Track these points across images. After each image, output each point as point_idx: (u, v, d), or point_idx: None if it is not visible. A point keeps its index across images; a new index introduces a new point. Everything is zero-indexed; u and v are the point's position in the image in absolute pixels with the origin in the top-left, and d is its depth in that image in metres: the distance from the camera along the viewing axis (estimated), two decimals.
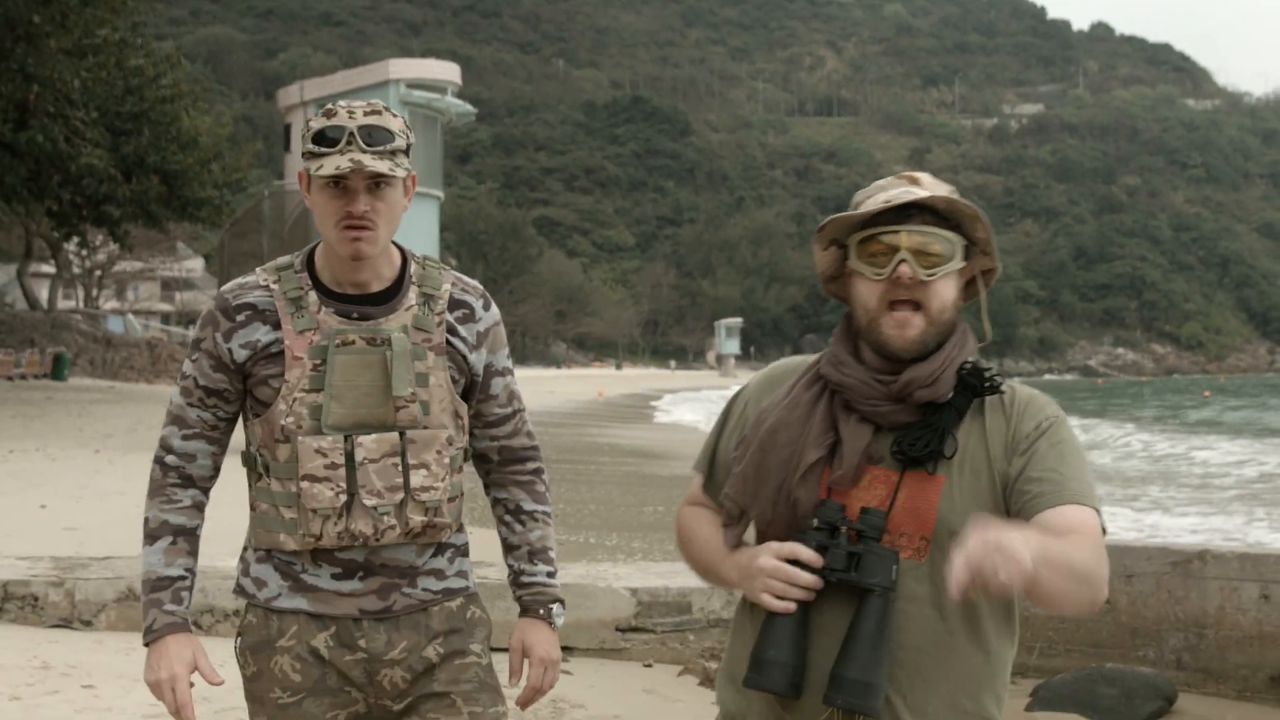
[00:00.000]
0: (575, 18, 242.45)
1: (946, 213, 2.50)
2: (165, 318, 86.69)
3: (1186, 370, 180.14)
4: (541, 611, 3.13)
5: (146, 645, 2.93)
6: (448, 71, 23.71)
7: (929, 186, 2.51)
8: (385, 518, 2.87)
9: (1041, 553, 2.21)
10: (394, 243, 2.97)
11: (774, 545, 2.47)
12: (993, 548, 2.14)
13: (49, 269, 64.66)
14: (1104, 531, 2.45)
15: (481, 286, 3.09)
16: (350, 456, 2.85)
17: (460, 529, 3.05)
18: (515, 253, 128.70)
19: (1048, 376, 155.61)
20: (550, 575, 3.16)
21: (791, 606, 2.42)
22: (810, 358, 2.66)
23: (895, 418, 2.48)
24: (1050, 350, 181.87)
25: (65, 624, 7.62)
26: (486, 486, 3.19)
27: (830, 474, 2.49)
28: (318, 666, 2.90)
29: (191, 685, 2.90)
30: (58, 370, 43.42)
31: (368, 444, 2.86)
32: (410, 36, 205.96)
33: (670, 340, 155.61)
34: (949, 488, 2.46)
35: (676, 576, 7.98)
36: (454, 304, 2.98)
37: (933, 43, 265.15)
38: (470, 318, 3.00)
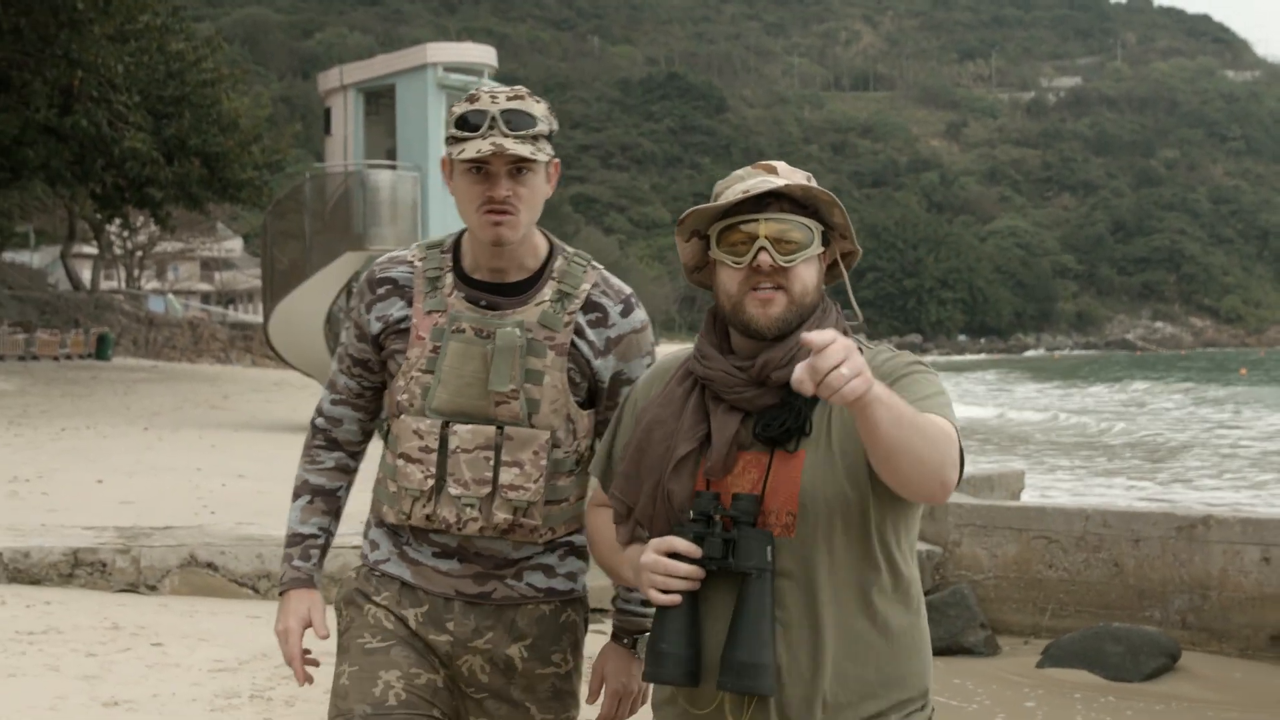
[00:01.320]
0: None
1: (803, 200, 2.56)
2: (205, 297, 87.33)
3: (1225, 344, 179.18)
4: (626, 641, 3.07)
5: (280, 596, 3.05)
6: (484, 55, 24.05)
7: (785, 175, 2.57)
8: (469, 509, 2.87)
9: (887, 394, 2.28)
10: (544, 234, 3.00)
11: (654, 541, 2.51)
12: (846, 347, 2.20)
13: (90, 250, 65.43)
14: (961, 451, 2.46)
15: (630, 291, 3.05)
16: (444, 442, 2.87)
17: (577, 530, 3.01)
18: (552, 230, 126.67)
19: (1076, 351, 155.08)
20: (645, 603, 3.02)
21: (676, 599, 2.46)
22: (689, 350, 2.71)
23: (759, 402, 2.53)
24: (1088, 325, 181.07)
25: (132, 588, 8.12)
26: None
27: (704, 465, 2.54)
28: (407, 628, 2.93)
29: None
30: (102, 350, 44.02)
31: (462, 433, 2.87)
32: (446, 15, 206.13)
33: None
34: (810, 462, 2.50)
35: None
36: (589, 305, 2.94)
37: (969, 16, 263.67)
38: (603, 322, 2.96)
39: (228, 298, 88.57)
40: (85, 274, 61.65)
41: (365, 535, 3.05)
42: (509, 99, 2.85)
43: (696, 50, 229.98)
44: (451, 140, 2.85)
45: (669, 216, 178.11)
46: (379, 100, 23.91)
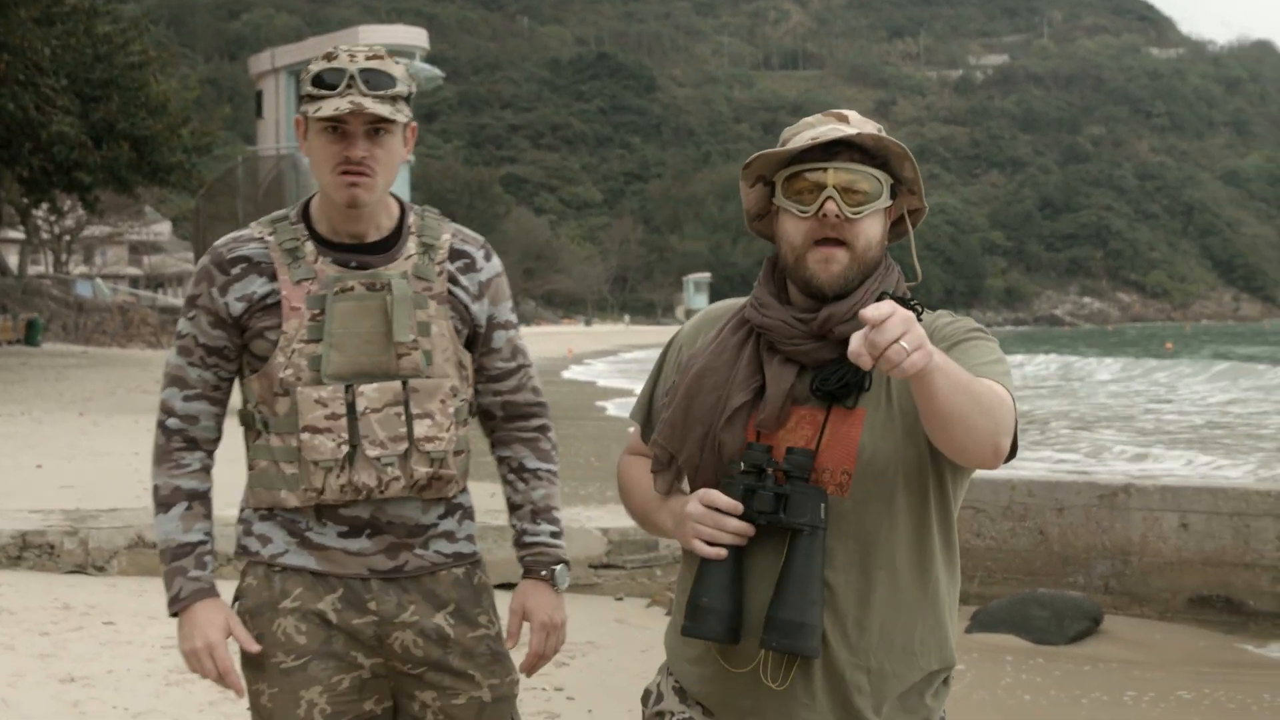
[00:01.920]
0: None
1: (874, 150, 2.47)
2: (134, 281, 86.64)
3: (1152, 318, 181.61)
4: (544, 573, 3.04)
5: (175, 615, 2.85)
6: (415, 36, 24.13)
7: (857, 124, 2.48)
8: (389, 469, 2.80)
9: (946, 362, 2.24)
10: (392, 194, 2.92)
11: (702, 492, 2.45)
12: (905, 320, 2.14)
13: (16, 235, 64.76)
14: (1016, 420, 2.43)
15: (482, 238, 3.03)
16: (351, 406, 2.78)
17: (464, 490, 2.99)
18: (483, 211, 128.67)
19: (1009, 328, 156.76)
20: (554, 535, 3.06)
21: (722, 553, 2.40)
22: (742, 300, 2.64)
23: (817, 355, 2.46)
24: (1017, 301, 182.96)
25: (80, 570, 8.23)
26: (492, 445, 3.12)
27: (756, 417, 2.48)
28: (323, 629, 2.82)
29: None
30: (31, 336, 43.67)
31: (369, 393, 2.79)
32: None
33: (639, 296, 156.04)
34: (870, 420, 2.44)
35: None
36: (455, 254, 2.92)
37: None
38: (471, 268, 2.94)
39: (156, 281, 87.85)
40: (11, 259, 61.04)
41: (245, 533, 2.89)
42: (368, 58, 2.77)
43: (626, 30, 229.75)
44: (307, 98, 2.77)
45: (599, 196, 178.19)
46: None
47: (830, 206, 2.41)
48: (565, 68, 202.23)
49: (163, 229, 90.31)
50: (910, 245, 2.60)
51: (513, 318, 3.05)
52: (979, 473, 2.63)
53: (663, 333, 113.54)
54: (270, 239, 2.85)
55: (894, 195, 2.50)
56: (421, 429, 2.81)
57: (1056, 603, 8.04)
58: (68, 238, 69.44)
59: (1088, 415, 30.36)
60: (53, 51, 33.55)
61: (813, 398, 2.46)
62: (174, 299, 74.21)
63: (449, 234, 2.93)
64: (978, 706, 6.94)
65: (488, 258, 2.98)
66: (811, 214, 2.43)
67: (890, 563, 2.45)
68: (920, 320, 2.35)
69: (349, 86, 2.72)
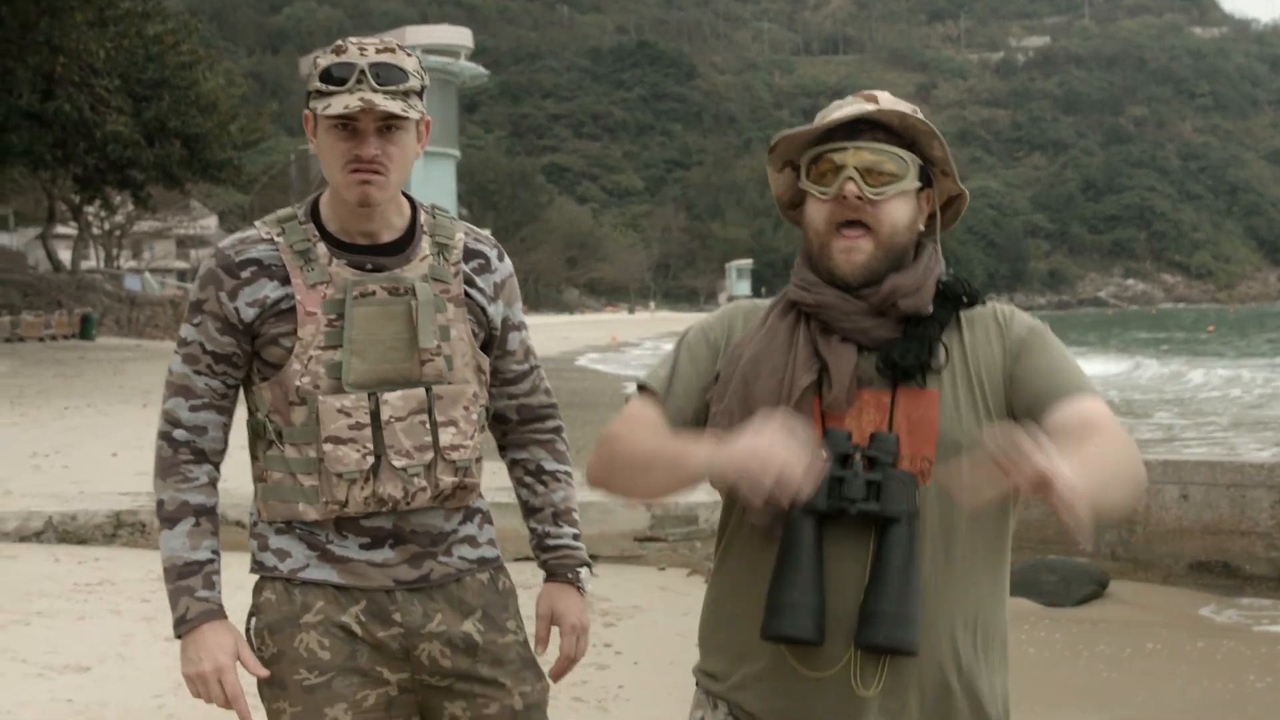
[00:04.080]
0: None
1: (900, 130, 2.37)
2: (181, 275, 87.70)
3: (1197, 300, 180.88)
4: (569, 575, 2.98)
5: (179, 637, 2.72)
6: (460, 36, 24.91)
7: (885, 103, 2.37)
8: (415, 479, 2.71)
9: (1091, 477, 2.03)
10: (403, 193, 2.83)
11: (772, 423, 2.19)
12: (1071, 486, 1.94)
13: (67, 231, 65.88)
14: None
15: (493, 237, 2.94)
16: (375, 415, 2.68)
17: (480, 493, 2.90)
18: (525, 201, 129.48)
19: (1050, 311, 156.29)
20: (576, 538, 3.01)
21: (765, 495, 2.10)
22: (768, 301, 2.52)
23: (878, 334, 2.34)
24: (1060, 283, 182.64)
25: None
26: (502, 448, 3.03)
27: (820, 402, 2.34)
28: (348, 643, 2.71)
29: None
30: (85, 330, 44.48)
31: (394, 401, 2.69)
32: None
33: (681, 283, 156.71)
34: (945, 401, 2.32)
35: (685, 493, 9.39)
36: (469, 254, 2.83)
37: None
38: (486, 268, 2.85)
39: None
40: (63, 255, 62.13)
41: (261, 547, 2.76)
42: (378, 51, 2.66)
43: (666, 18, 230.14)
44: (316, 94, 2.65)
45: (641, 184, 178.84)
46: None
47: (850, 187, 2.31)
48: (606, 56, 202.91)
49: (209, 223, 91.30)
50: (936, 236, 2.47)
51: (523, 318, 2.98)
52: None
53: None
54: (280, 240, 2.72)
55: (925, 178, 2.39)
56: (446, 437, 2.73)
57: (1065, 568, 8.70)
58: (118, 233, 70.55)
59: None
60: (107, 53, 34.50)
61: (877, 379, 2.33)
62: None
63: (462, 233, 2.84)
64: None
65: (500, 258, 2.90)
66: (832, 195, 2.32)
67: (971, 556, 2.33)
68: (983, 306, 2.40)
69: (359, 82, 2.61)
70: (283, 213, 2.79)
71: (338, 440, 2.66)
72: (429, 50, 23.58)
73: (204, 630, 2.68)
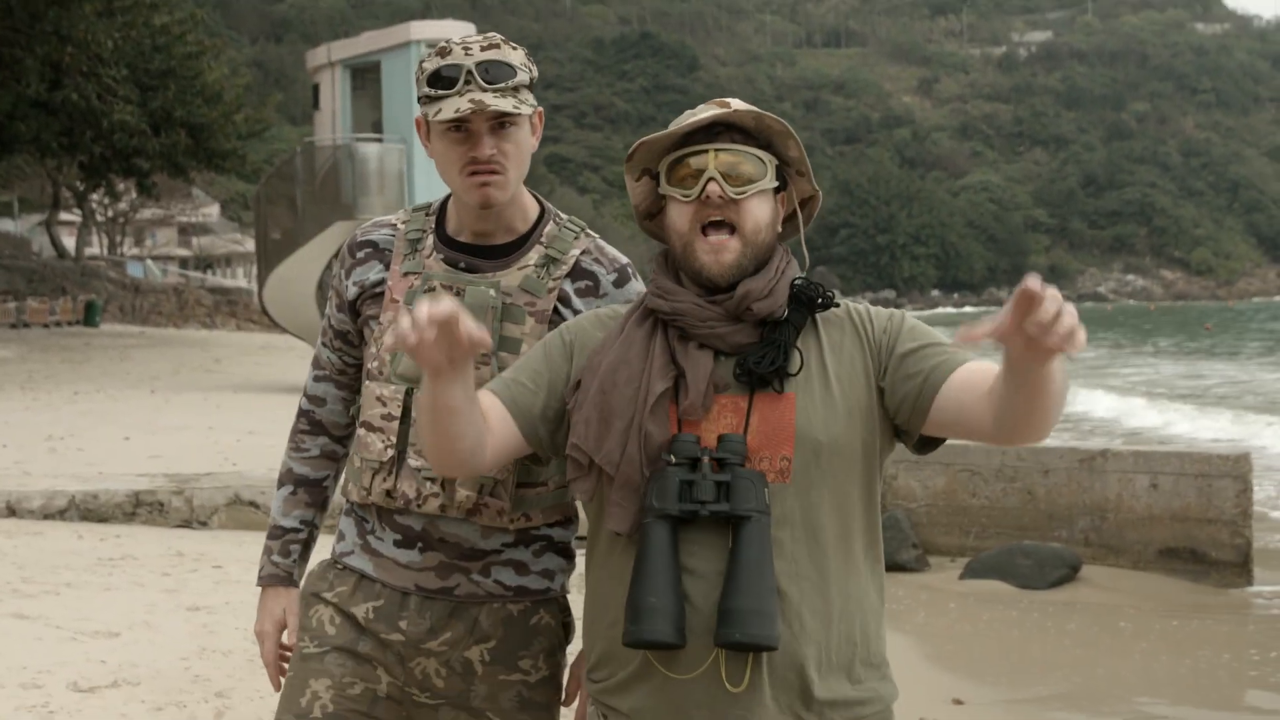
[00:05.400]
0: None
1: (755, 130, 2.41)
2: (183, 262, 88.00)
3: (1197, 296, 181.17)
4: None
5: (260, 591, 2.89)
6: (464, 31, 25.25)
7: (738, 107, 2.42)
8: (428, 484, 2.65)
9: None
10: (536, 196, 2.80)
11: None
12: (1061, 301, 1.95)
13: (70, 217, 66.23)
14: None
15: (626, 261, 2.80)
16: (407, 410, 2.67)
17: (559, 524, 2.76)
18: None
19: None
20: None
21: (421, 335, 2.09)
22: (627, 306, 2.55)
23: (735, 339, 2.37)
24: (1060, 278, 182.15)
25: (186, 524, 9.48)
26: None
27: (677, 408, 2.36)
28: (355, 630, 2.72)
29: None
30: (90, 317, 44.71)
31: None
32: None
33: None
34: (803, 403, 2.35)
35: None
36: (578, 272, 2.72)
37: None
38: (593, 291, 2.72)
39: (206, 262, 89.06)
40: (66, 241, 62.47)
41: (339, 524, 2.85)
42: (483, 49, 2.62)
43: (668, 9, 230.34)
44: (426, 99, 2.63)
45: None
46: (365, 76, 25.17)
47: (713, 188, 2.34)
48: (608, 47, 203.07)
49: (211, 211, 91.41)
50: (801, 232, 2.53)
51: None
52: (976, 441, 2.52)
53: None
54: (402, 227, 2.77)
55: (781, 178, 2.44)
56: None
57: (1039, 553, 9.15)
58: (121, 220, 70.89)
59: None
60: (114, 43, 34.84)
61: (734, 384, 2.36)
62: (223, 279, 75.62)
63: (580, 250, 2.74)
64: (965, 639, 8.06)
65: (619, 284, 2.75)
66: (695, 197, 2.36)
67: (838, 549, 2.36)
68: (837, 309, 2.43)
69: (467, 83, 2.58)
70: (421, 204, 2.84)
71: (370, 427, 2.71)
72: (433, 44, 23.97)
73: (266, 593, 2.85)
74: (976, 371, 2.29)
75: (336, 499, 2.90)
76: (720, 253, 2.36)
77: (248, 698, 5.54)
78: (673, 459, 2.30)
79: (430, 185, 22.53)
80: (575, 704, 2.79)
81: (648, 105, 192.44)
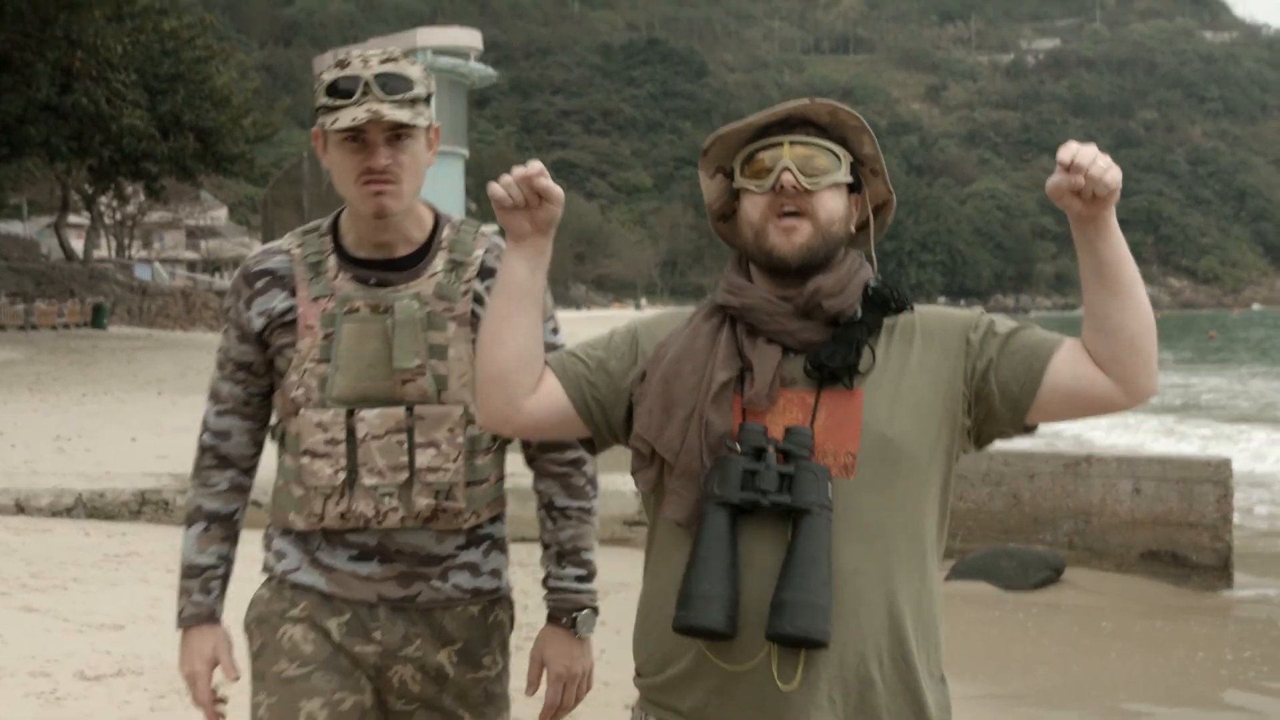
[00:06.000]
0: None
1: (830, 125, 2.41)
2: (191, 265, 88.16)
3: (1203, 304, 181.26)
4: (564, 620, 2.89)
5: (182, 633, 2.86)
6: (470, 38, 25.58)
7: (815, 101, 2.42)
8: (387, 499, 2.68)
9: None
10: (428, 205, 2.80)
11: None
12: (1098, 153, 2.14)
13: (79, 220, 66.47)
14: None
15: None
16: (352, 432, 2.67)
17: (497, 519, 2.84)
18: None
19: (1053, 313, 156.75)
20: (581, 579, 2.90)
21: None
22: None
23: (804, 336, 2.35)
24: (1067, 286, 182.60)
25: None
26: (533, 475, 2.94)
27: (742, 399, 2.33)
28: (329, 644, 2.72)
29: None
30: (97, 319, 44.76)
31: (370, 419, 2.67)
32: None
33: (689, 280, 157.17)
34: (871, 400, 2.32)
35: None
36: (486, 271, 2.75)
37: None
38: None
39: (213, 265, 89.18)
40: (74, 244, 62.66)
41: (267, 547, 2.81)
42: (382, 61, 2.67)
43: (677, 15, 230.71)
44: (323, 110, 2.65)
45: (650, 181, 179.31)
46: None
47: (787, 178, 2.33)
48: (616, 53, 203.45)
49: (219, 214, 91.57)
50: (871, 239, 2.50)
51: (554, 338, 2.83)
52: None
53: None
54: (296, 252, 2.76)
55: (855, 175, 2.42)
56: (424, 459, 2.69)
57: (1023, 555, 9.35)
58: (129, 223, 71.11)
59: None
60: (124, 48, 35.15)
61: (801, 379, 2.33)
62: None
63: (483, 249, 2.78)
64: (949, 638, 8.26)
65: None
66: (769, 187, 2.35)
67: (897, 549, 2.31)
68: (910, 313, 2.42)
69: (365, 94, 2.61)
70: (310, 224, 2.82)
71: (314, 454, 2.68)
72: (439, 52, 24.21)
73: (191, 633, 2.82)
74: (1078, 345, 2.32)
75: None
76: (792, 233, 2.34)
77: (245, 688, 5.75)
78: (738, 447, 2.26)
79: (433, 189, 22.78)
80: (540, 690, 2.89)
81: (655, 111, 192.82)
